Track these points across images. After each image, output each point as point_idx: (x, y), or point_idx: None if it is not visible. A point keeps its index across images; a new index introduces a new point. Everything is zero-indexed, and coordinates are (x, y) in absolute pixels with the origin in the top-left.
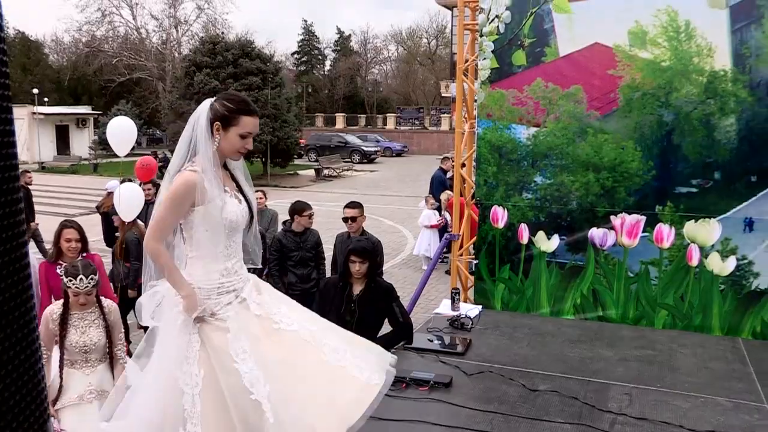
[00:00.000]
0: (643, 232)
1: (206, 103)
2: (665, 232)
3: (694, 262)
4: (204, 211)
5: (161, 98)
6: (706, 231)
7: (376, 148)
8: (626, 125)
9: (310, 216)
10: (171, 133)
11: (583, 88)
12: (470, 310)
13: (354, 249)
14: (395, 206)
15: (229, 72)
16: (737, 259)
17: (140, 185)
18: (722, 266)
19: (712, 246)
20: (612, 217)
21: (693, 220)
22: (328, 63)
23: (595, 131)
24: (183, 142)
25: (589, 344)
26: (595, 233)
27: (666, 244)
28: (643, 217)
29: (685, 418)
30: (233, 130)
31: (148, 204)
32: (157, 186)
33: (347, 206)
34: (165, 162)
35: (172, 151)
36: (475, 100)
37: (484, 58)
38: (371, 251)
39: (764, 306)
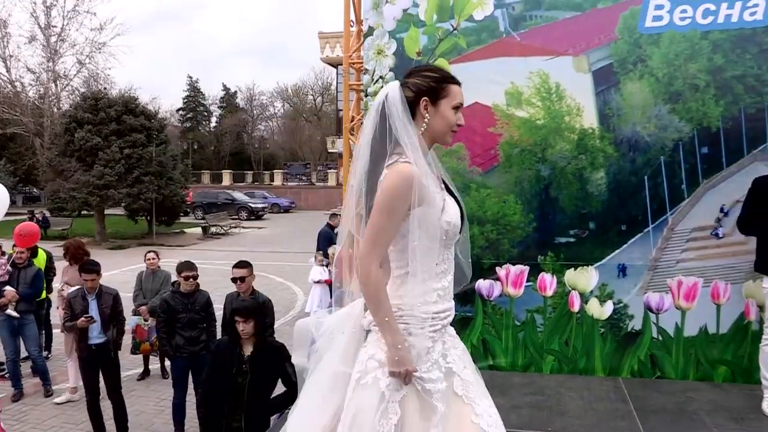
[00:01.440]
0: (527, 281)
1: (392, 87)
2: (548, 281)
3: (576, 307)
4: (422, 214)
5: (39, 155)
6: (585, 278)
7: (263, 205)
8: (507, 180)
9: (187, 278)
10: (49, 191)
11: (465, 145)
12: None
13: (237, 309)
14: (285, 263)
15: (112, 129)
16: (614, 303)
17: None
18: (601, 311)
19: (591, 292)
20: (497, 269)
21: (573, 268)
22: (213, 119)
23: (478, 186)
24: (364, 144)
25: None
26: (482, 285)
27: (549, 292)
28: (527, 267)
29: None
30: (444, 102)
31: (20, 269)
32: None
33: (236, 266)
34: (45, 222)
35: (51, 210)
36: None
37: None
38: (255, 310)
39: (639, 346)
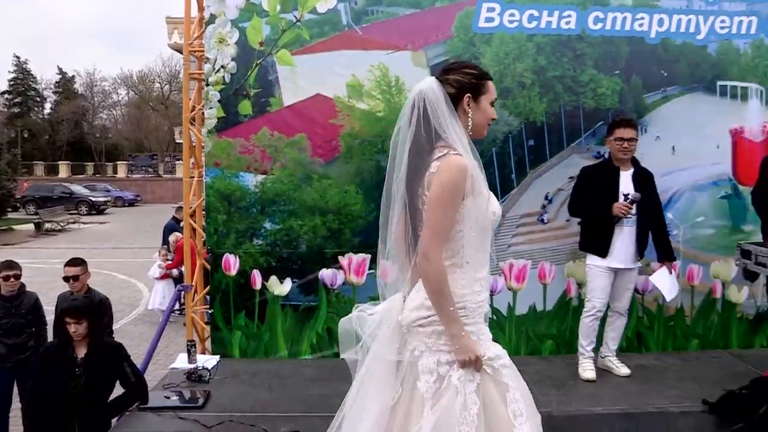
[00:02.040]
0: (370, 269)
1: (431, 83)
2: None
3: None
4: (472, 205)
5: None
6: None
7: (105, 198)
8: (348, 170)
9: (7, 279)
10: None
11: (307, 136)
12: (208, 361)
13: (66, 309)
14: (128, 259)
15: None
16: None
17: None
18: None
19: None
20: (340, 258)
21: None
22: (48, 105)
23: (320, 177)
24: (405, 139)
25: (327, 381)
26: (325, 274)
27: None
28: (369, 256)
29: None
30: (484, 98)
31: None
32: None
33: (68, 264)
34: None
35: None
36: (204, 149)
37: (211, 107)
38: (87, 310)
39: None
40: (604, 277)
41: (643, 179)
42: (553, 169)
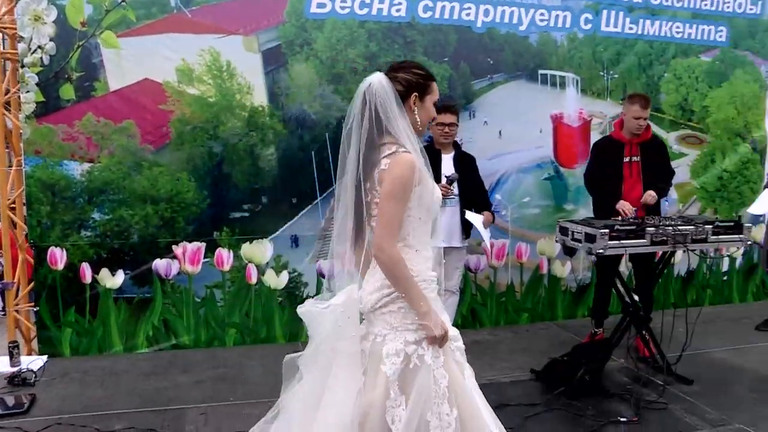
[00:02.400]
0: (205, 257)
1: (380, 78)
2: (225, 256)
3: (254, 280)
4: (420, 192)
5: None
6: (260, 251)
7: None
8: (179, 157)
9: None
10: None
11: (135, 122)
12: (33, 362)
13: None
14: None
15: None
16: (289, 273)
17: None
18: (278, 281)
19: (267, 263)
20: (174, 247)
21: (248, 242)
22: None
23: (150, 164)
24: (356, 133)
25: (164, 374)
26: (159, 264)
27: (227, 267)
28: (203, 244)
29: (255, 423)
30: (429, 98)
31: None
32: None
33: None
34: None
35: None
36: (22, 135)
37: (28, 91)
38: None
39: None
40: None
41: (464, 161)
42: None
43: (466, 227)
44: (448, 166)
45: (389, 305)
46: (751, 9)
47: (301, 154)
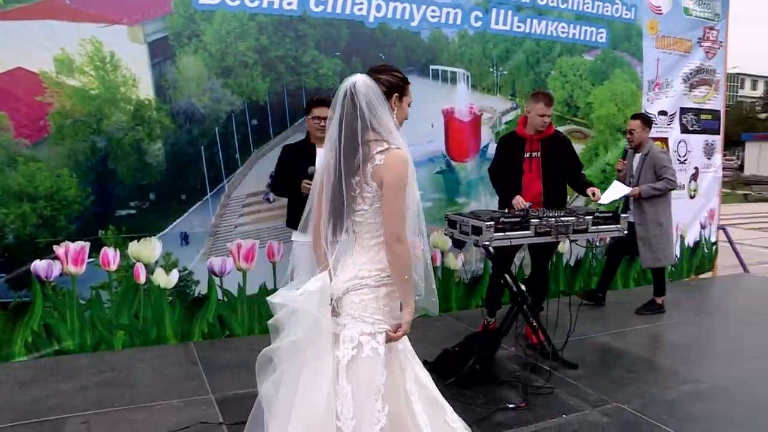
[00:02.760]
0: (89, 257)
1: (365, 78)
2: (111, 255)
3: (142, 279)
4: (410, 189)
5: None
6: (148, 249)
7: None
8: (59, 152)
9: None
10: None
11: (8, 115)
12: None
13: None
14: None
15: None
16: (179, 271)
17: None
18: (167, 279)
19: (156, 262)
20: (55, 247)
21: (136, 240)
22: None
23: (27, 160)
24: (336, 130)
25: (44, 382)
26: (39, 265)
27: (113, 267)
28: (88, 243)
29: (140, 429)
30: (405, 99)
31: None
32: None
33: None
34: None
35: None
36: None
37: None
38: None
39: (207, 309)
40: (307, 251)
41: None
42: (277, 149)
43: None
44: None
45: (354, 293)
46: (626, 14)
47: (190, 149)
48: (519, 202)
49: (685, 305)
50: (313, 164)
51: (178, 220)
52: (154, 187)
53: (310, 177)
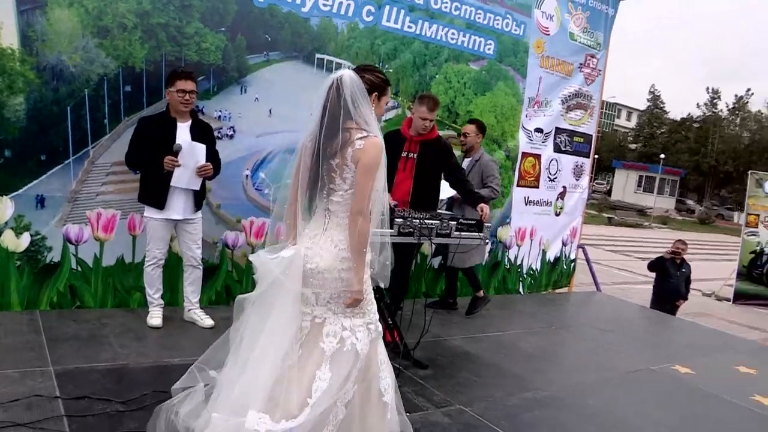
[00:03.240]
0: None
1: (350, 73)
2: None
3: None
4: (380, 174)
5: None
6: None
7: None
8: None
9: None
10: None
11: None
12: None
13: None
14: None
15: None
16: (31, 235)
17: None
18: (17, 243)
19: (6, 223)
20: None
21: None
22: None
23: None
24: (319, 116)
25: None
26: None
27: None
28: None
29: None
30: (383, 99)
31: None
32: None
33: None
34: None
35: None
36: None
37: None
38: None
39: (59, 277)
40: (161, 228)
41: (201, 131)
42: None
43: (198, 199)
44: (183, 134)
45: (331, 285)
46: (515, 30)
47: (55, 108)
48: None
49: (539, 317)
50: (173, 139)
51: (34, 182)
52: (11, 143)
53: (175, 154)
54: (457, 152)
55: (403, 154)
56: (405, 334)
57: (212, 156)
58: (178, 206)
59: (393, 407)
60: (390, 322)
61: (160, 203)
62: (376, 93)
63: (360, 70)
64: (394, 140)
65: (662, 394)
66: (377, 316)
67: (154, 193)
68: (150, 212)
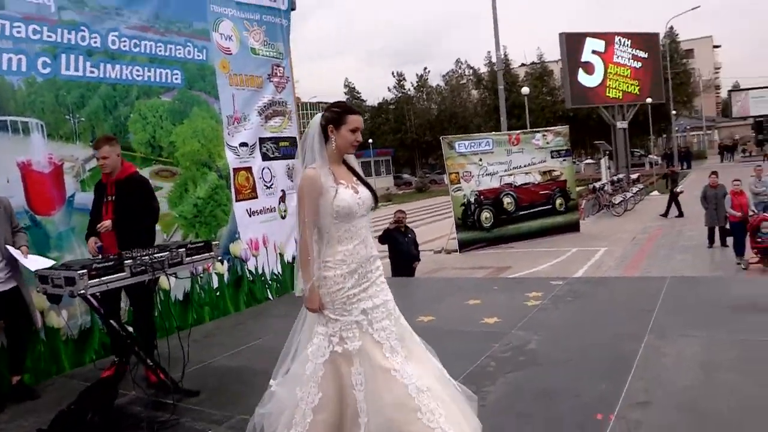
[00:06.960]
0: None
1: (316, 117)
2: None
3: None
4: (322, 201)
5: None
6: None
7: None
8: None
9: None
10: None
11: None
12: None
13: None
14: None
15: None
16: None
17: None
18: None
19: None
20: None
21: None
22: None
23: None
24: (300, 150)
25: None
26: None
27: None
28: None
29: None
30: (344, 128)
31: None
32: None
33: None
34: None
35: None
36: None
37: None
38: None
39: None
40: None
41: None
42: None
43: None
44: None
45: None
46: (198, 55)
47: None
48: (90, 244)
49: (292, 315)
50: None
51: None
52: None
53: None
54: (168, 185)
55: (105, 199)
56: (168, 369)
57: None
58: None
59: None
60: (150, 363)
61: None
62: (331, 126)
63: (325, 109)
64: (98, 188)
65: None
66: (352, 334)
67: None
68: None
